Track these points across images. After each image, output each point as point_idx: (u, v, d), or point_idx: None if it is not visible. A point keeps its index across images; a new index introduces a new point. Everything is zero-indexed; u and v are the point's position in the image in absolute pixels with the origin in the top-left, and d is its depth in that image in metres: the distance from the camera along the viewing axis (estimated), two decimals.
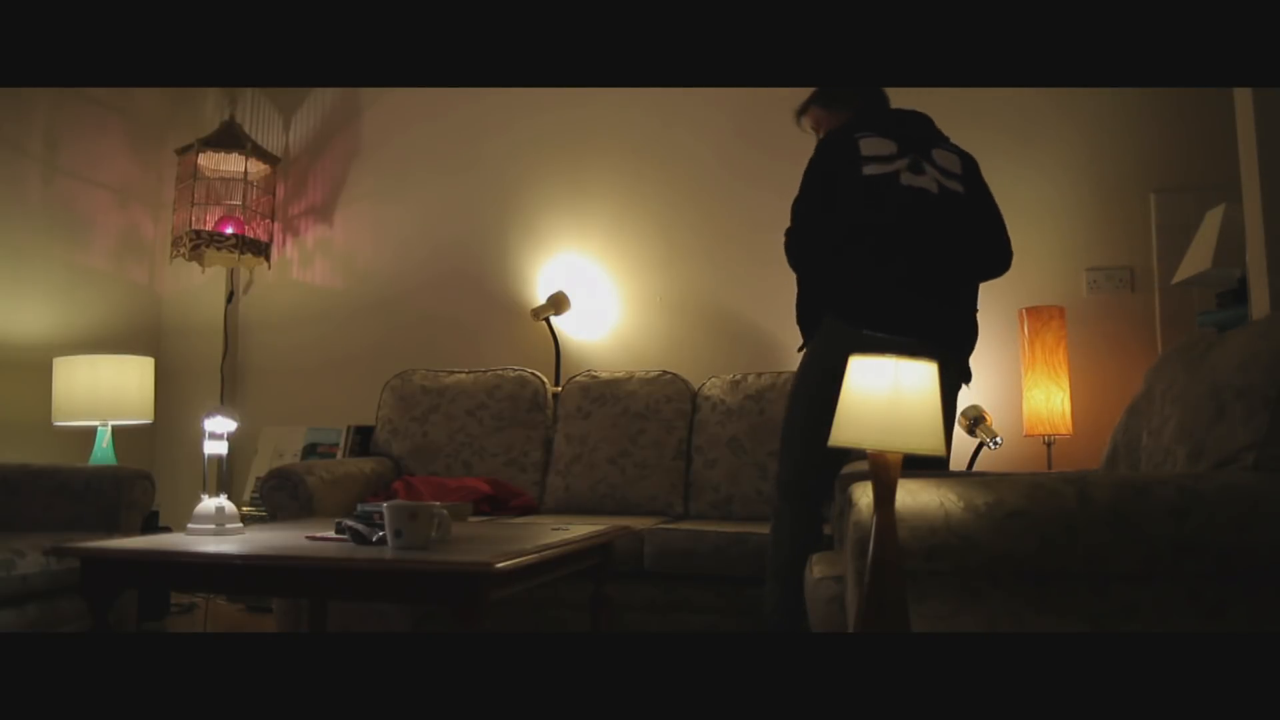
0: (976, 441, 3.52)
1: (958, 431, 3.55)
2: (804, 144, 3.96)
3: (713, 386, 3.70)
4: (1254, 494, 1.61)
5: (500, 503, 3.46)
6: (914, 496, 1.67)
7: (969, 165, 2.67)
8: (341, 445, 4.11)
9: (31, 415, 3.81)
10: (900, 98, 3.92)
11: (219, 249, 4.25)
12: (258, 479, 3.91)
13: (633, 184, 4.18)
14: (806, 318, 2.63)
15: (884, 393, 1.60)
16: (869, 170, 2.53)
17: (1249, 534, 1.59)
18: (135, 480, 3.01)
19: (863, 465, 1.80)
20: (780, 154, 3.98)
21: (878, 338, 2.34)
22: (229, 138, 4.33)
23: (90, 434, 3.77)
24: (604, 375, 3.83)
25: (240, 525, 2.33)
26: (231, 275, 4.55)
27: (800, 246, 2.63)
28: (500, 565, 1.85)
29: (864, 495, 1.72)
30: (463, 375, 3.91)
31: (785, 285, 3.96)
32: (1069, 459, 3.56)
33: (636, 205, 4.18)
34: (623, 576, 2.94)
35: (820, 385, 2.36)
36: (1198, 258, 3.05)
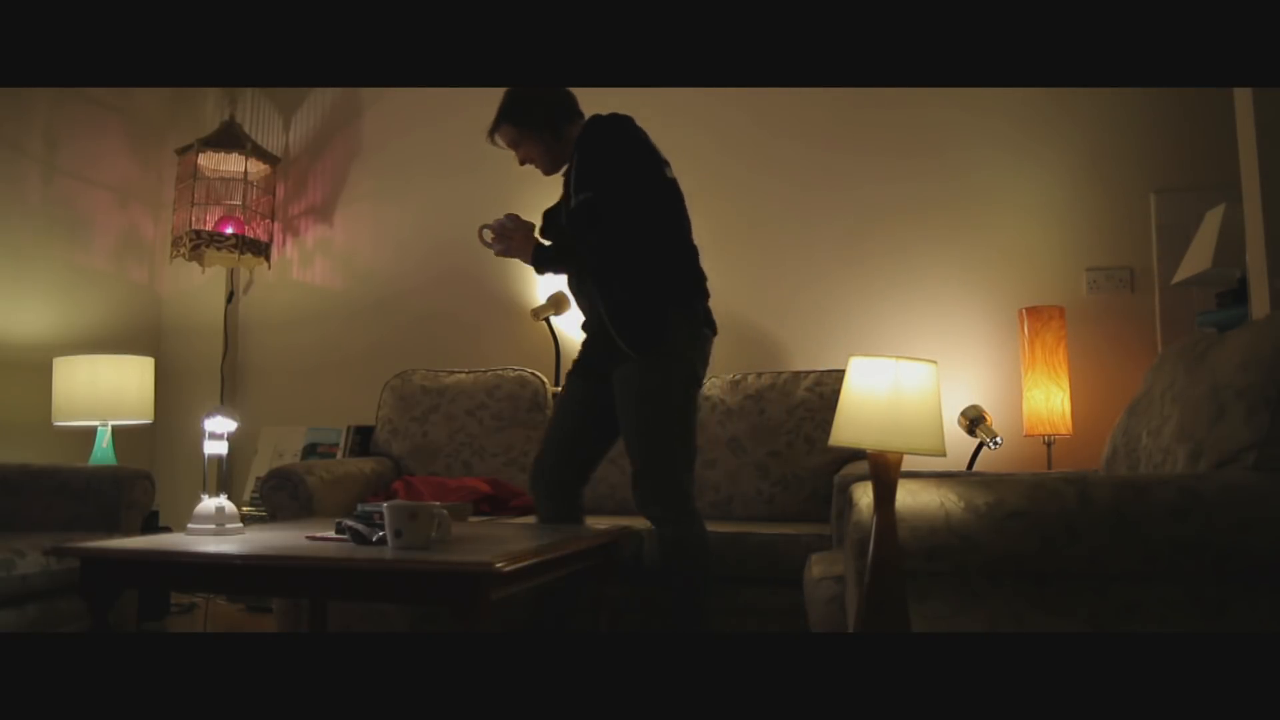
0: (976, 441, 3.52)
1: (958, 431, 3.55)
2: (808, 129, 3.99)
3: (713, 386, 3.70)
4: (1254, 494, 1.61)
5: (500, 503, 3.46)
6: (914, 496, 1.67)
7: None
8: (341, 445, 4.11)
9: (31, 415, 3.81)
10: (902, 96, 3.94)
11: (219, 249, 4.25)
12: (258, 479, 3.91)
13: None
14: (653, 314, 2.52)
15: (884, 393, 1.60)
16: (668, 174, 2.66)
17: (1249, 534, 1.59)
18: (135, 480, 3.01)
19: (862, 466, 1.80)
20: (790, 130, 4.01)
21: (708, 335, 2.65)
22: (229, 138, 4.33)
23: (90, 434, 3.77)
24: None
25: (240, 525, 2.33)
26: (231, 275, 4.55)
27: (643, 235, 2.53)
28: (500, 565, 1.85)
29: (864, 495, 1.72)
30: (463, 375, 3.91)
31: (786, 285, 4.00)
32: (1069, 459, 3.56)
33: None
34: (623, 576, 2.94)
35: (692, 390, 2.59)
36: (1198, 258, 3.04)
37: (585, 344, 2.77)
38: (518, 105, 2.67)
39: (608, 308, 2.54)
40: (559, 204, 2.75)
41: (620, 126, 2.63)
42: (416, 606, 3.04)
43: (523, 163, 2.74)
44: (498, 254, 2.69)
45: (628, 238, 2.52)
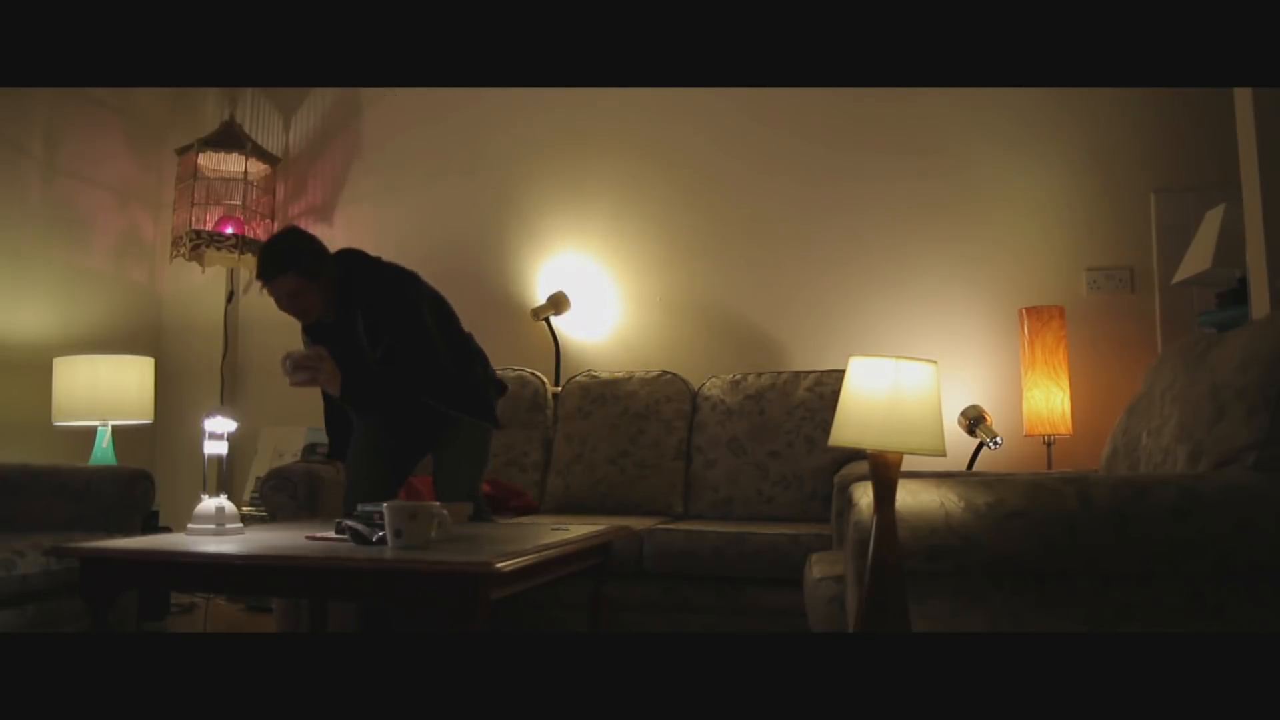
0: (976, 441, 3.52)
1: (958, 431, 3.55)
2: (807, 127, 3.99)
3: (713, 386, 3.70)
4: (1254, 494, 1.61)
5: (500, 502, 3.45)
6: (914, 496, 1.67)
7: None
8: None
9: (31, 415, 3.81)
10: (902, 94, 3.94)
11: (219, 249, 4.25)
12: (258, 479, 3.90)
13: (633, 183, 4.18)
14: (474, 402, 2.95)
15: (884, 393, 1.60)
16: (430, 290, 2.91)
17: (1249, 534, 1.59)
18: (135, 480, 3.01)
19: (864, 465, 1.79)
20: (790, 129, 4.01)
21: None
22: (229, 138, 4.33)
23: (90, 434, 3.77)
24: (604, 375, 3.82)
25: (240, 525, 2.33)
26: (231, 275, 4.55)
27: (442, 363, 2.82)
28: (500, 565, 1.85)
29: (864, 495, 1.72)
30: None
31: (785, 285, 4.00)
32: (1069, 459, 3.56)
33: (636, 205, 4.18)
34: (622, 576, 2.94)
35: None
36: (1198, 258, 3.05)
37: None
38: (304, 255, 2.67)
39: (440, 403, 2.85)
40: (332, 328, 2.80)
41: (397, 278, 2.82)
42: (419, 607, 3.04)
43: (285, 309, 2.73)
44: (295, 384, 2.71)
45: (434, 372, 2.79)
